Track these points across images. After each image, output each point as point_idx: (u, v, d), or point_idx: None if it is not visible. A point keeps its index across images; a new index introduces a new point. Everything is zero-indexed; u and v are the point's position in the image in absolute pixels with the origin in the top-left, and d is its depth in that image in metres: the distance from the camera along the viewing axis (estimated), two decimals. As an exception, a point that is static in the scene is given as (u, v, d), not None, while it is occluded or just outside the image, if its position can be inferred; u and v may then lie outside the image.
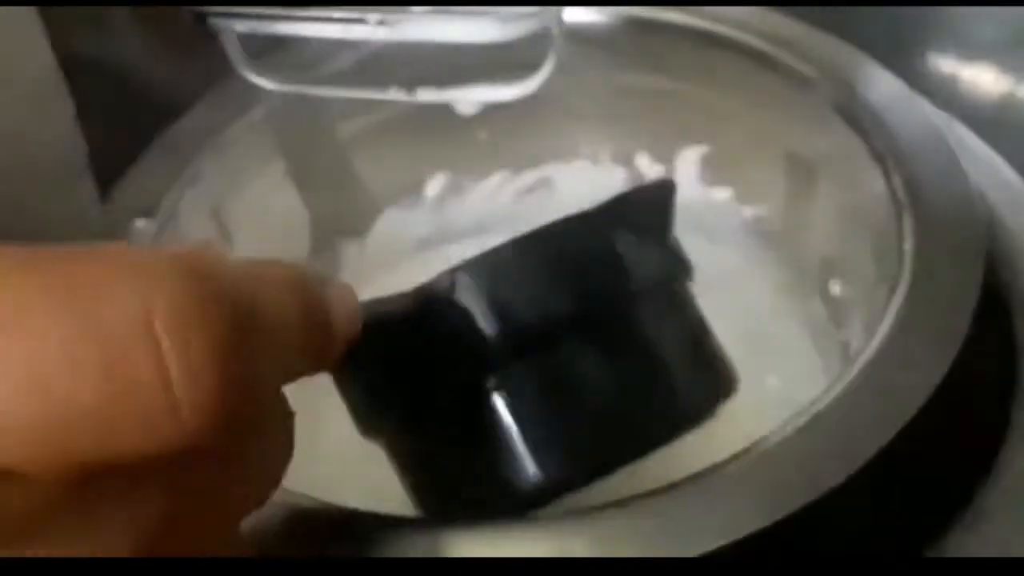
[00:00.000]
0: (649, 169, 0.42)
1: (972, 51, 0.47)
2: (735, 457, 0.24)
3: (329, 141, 0.40)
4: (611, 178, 0.42)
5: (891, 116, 0.33)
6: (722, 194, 0.41)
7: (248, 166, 0.37)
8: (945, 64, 0.47)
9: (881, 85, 0.34)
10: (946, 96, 0.35)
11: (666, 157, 0.41)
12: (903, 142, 0.32)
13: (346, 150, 0.41)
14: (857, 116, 0.33)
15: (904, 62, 0.47)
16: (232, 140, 0.37)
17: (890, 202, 0.31)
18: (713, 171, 0.41)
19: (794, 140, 0.37)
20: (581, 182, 0.43)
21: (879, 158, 0.32)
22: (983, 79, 0.46)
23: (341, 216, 0.42)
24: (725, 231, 0.41)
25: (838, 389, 0.25)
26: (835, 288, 0.37)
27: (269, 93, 0.36)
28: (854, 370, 0.26)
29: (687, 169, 0.41)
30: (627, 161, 0.42)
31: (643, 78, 0.40)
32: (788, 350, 0.38)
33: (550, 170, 0.43)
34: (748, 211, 0.41)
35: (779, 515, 0.22)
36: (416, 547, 0.23)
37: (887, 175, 0.31)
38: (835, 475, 0.23)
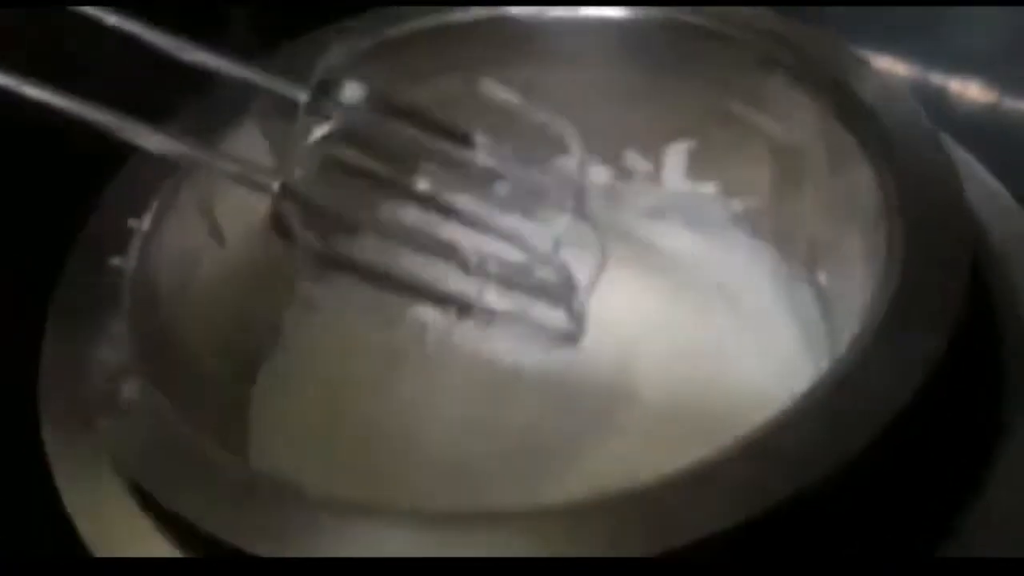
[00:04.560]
0: (637, 164, 0.42)
1: (960, 63, 0.47)
2: (723, 449, 0.24)
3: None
4: (598, 173, 0.43)
5: (883, 112, 0.33)
6: (710, 188, 0.41)
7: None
8: (933, 76, 0.47)
9: (874, 81, 0.34)
10: (934, 107, 0.35)
11: (654, 152, 0.42)
12: (894, 138, 0.32)
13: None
14: (849, 112, 0.34)
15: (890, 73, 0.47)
16: (225, 138, 0.37)
17: (879, 197, 0.31)
18: (701, 165, 0.41)
19: (782, 134, 0.38)
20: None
21: (869, 153, 0.32)
22: (970, 91, 0.46)
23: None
24: (713, 224, 0.41)
25: (822, 385, 0.26)
26: (823, 279, 0.37)
27: (259, 94, 0.35)
28: (840, 365, 0.26)
29: (675, 163, 0.41)
30: (615, 156, 0.42)
31: (631, 74, 0.40)
32: (777, 342, 0.38)
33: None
34: (736, 204, 0.41)
35: (762, 508, 0.23)
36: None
37: (877, 170, 0.32)
38: (817, 470, 0.23)
